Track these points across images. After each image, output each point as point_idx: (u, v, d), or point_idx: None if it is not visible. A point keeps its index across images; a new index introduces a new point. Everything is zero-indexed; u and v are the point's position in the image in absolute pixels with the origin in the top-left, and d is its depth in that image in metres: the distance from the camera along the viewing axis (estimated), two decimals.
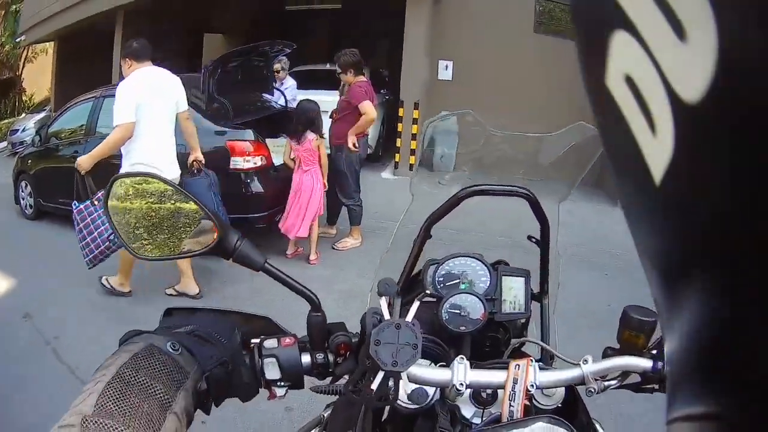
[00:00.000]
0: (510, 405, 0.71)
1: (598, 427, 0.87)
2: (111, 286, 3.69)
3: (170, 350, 0.58)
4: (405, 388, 0.76)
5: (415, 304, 0.70)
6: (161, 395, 0.51)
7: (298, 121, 4.20)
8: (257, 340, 0.70)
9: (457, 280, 0.95)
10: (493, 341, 0.95)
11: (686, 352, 0.19)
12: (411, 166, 7.22)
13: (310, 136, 4.15)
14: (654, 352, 0.77)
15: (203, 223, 0.68)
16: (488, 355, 0.91)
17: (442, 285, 0.96)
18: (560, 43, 7.30)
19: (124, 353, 0.55)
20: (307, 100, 4.37)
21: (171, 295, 3.66)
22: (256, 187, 4.23)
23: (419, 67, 7.32)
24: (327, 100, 5.86)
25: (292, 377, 0.70)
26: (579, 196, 6.78)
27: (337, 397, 1.00)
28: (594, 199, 6.08)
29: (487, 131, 1.09)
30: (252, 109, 5.04)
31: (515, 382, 0.71)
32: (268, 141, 4.41)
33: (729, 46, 0.14)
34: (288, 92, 5.91)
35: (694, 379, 0.19)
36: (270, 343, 0.70)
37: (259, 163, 4.19)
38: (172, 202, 0.66)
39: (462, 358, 0.74)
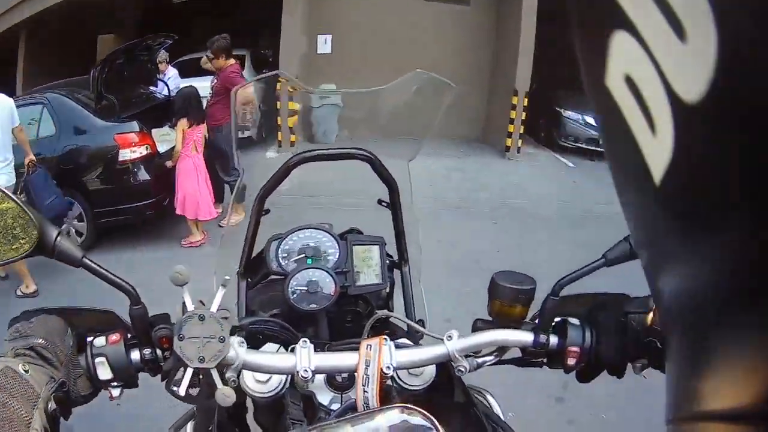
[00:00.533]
0: (364, 390, 0.64)
1: (489, 397, 0.83)
2: None
3: (22, 372, 0.58)
4: (253, 375, 0.71)
5: (220, 292, 0.65)
6: (22, 414, 0.54)
7: (177, 107, 4.41)
8: (91, 338, 0.67)
9: (303, 255, 0.88)
10: (355, 316, 0.89)
11: (689, 351, 0.19)
12: (292, 144, 7.12)
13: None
14: (536, 322, 0.71)
15: (21, 225, 0.63)
16: (351, 331, 0.85)
17: (286, 261, 0.88)
18: (442, 8, 7.52)
19: None
20: (187, 86, 4.64)
21: (21, 297, 3.66)
22: (143, 175, 4.46)
23: (298, 43, 7.20)
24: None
25: (124, 376, 0.66)
26: (468, 151, 7.20)
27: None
28: (480, 153, 6.45)
29: (305, 90, 0.99)
30: (138, 101, 5.27)
31: (367, 364, 0.65)
32: (154, 131, 4.62)
33: (729, 46, 0.14)
34: (171, 82, 6.18)
35: (697, 378, 0.19)
36: (99, 341, 0.67)
37: (144, 153, 4.42)
38: None
39: (305, 341, 0.67)
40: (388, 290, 0.95)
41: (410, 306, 0.94)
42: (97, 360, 0.66)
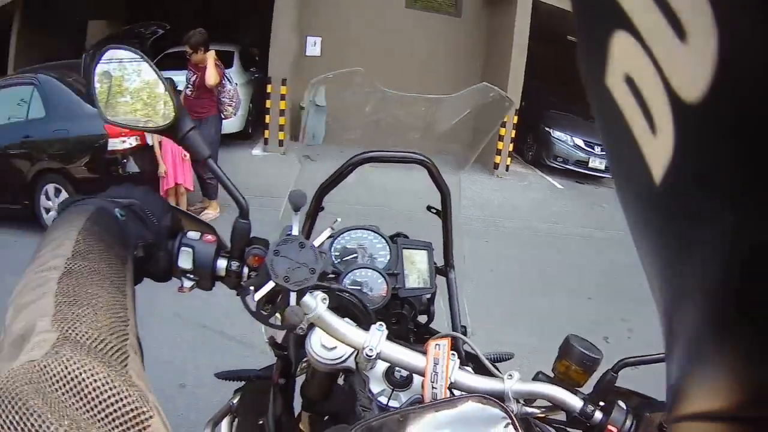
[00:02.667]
0: (432, 387, 0.66)
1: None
2: None
3: (118, 216, 0.60)
4: (321, 340, 0.72)
5: (326, 232, 0.68)
6: (120, 252, 0.55)
7: None
8: (187, 231, 0.71)
9: (355, 254, 0.90)
10: (399, 318, 0.90)
11: (689, 350, 0.20)
12: (281, 142, 7.32)
13: None
14: (589, 394, 0.72)
15: (165, 104, 0.70)
16: (395, 333, 0.87)
17: (339, 260, 0.90)
18: (433, 18, 7.60)
19: (80, 211, 0.57)
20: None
21: None
22: (132, 167, 4.43)
23: (287, 44, 7.28)
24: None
25: (202, 273, 0.70)
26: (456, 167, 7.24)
27: (244, 383, 0.98)
28: (470, 169, 6.50)
29: (379, 91, 1.02)
30: None
31: (436, 362, 0.67)
32: None
33: (729, 46, 0.15)
34: None
35: (698, 377, 0.19)
36: (192, 234, 0.71)
37: (134, 144, 4.41)
38: (146, 78, 0.70)
39: (382, 325, 0.69)
40: (429, 296, 0.97)
41: (455, 313, 0.96)
42: (183, 248, 0.69)
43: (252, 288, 0.66)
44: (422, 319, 0.97)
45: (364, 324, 0.71)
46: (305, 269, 0.63)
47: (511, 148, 7.47)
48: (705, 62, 0.15)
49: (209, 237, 0.71)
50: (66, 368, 0.34)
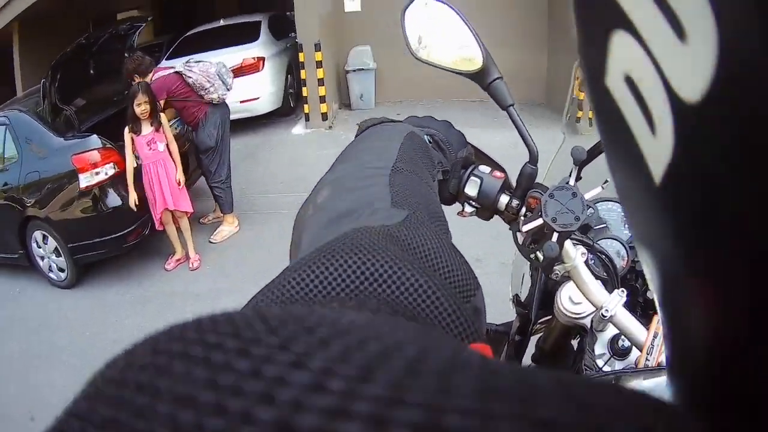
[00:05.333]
0: (647, 358, 0.71)
1: None
2: None
3: (427, 141, 0.67)
4: (570, 293, 0.80)
5: (597, 189, 0.76)
6: (429, 169, 0.61)
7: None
8: (478, 165, 0.80)
9: (604, 224, 0.97)
10: (632, 290, 0.94)
11: (688, 351, 0.20)
12: (324, 116, 6.80)
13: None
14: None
15: (473, 50, 0.77)
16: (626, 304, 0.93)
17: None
18: None
19: (396, 130, 0.64)
20: (137, 83, 3.95)
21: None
22: (114, 200, 3.90)
23: (317, 1, 6.74)
24: (229, 57, 5.78)
25: (484, 203, 0.80)
26: (531, 120, 6.70)
27: None
28: (546, 122, 6.07)
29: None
30: (107, 105, 4.62)
31: (656, 336, 0.71)
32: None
33: (729, 46, 0.15)
34: None
35: (696, 379, 0.20)
36: (483, 168, 0.80)
37: (110, 172, 3.83)
38: (454, 24, 0.78)
39: (624, 291, 0.75)
40: None
41: None
42: (472, 178, 0.79)
43: (524, 223, 0.74)
44: (650, 295, 1.02)
45: (609, 287, 0.79)
46: (571, 216, 0.70)
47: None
48: (705, 62, 0.15)
49: (498, 174, 0.80)
50: (420, 235, 0.39)
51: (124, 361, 0.17)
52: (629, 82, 0.19)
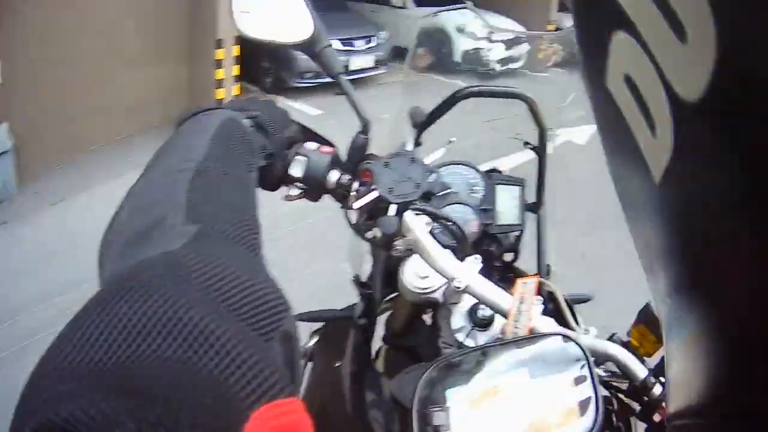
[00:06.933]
0: (515, 325, 0.67)
1: None
2: None
3: (246, 126, 0.63)
4: (415, 268, 0.75)
5: (440, 150, 0.70)
6: (248, 160, 0.58)
7: None
8: (305, 143, 0.74)
9: (449, 190, 0.92)
10: (487, 255, 0.91)
11: (688, 349, 0.20)
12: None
13: None
14: (656, 365, 0.70)
15: (302, 18, 0.73)
16: (482, 270, 0.86)
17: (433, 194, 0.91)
18: None
19: (210, 120, 0.60)
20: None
21: None
22: None
23: None
24: None
25: (311, 183, 0.72)
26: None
27: (322, 324, 1.01)
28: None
29: (488, 26, 0.98)
30: None
31: (521, 301, 0.67)
32: None
33: (729, 46, 0.15)
34: None
35: (694, 377, 0.20)
36: (310, 146, 0.73)
37: None
38: None
39: (478, 257, 0.70)
40: (518, 233, 1.01)
41: (543, 252, 1.00)
42: (297, 158, 0.71)
43: (356, 197, 0.67)
44: (508, 257, 1.00)
45: (460, 255, 0.72)
46: (410, 184, 0.65)
47: (236, 72, 5.58)
48: (705, 62, 0.16)
49: (326, 149, 0.73)
50: (208, 258, 0.34)
51: None
52: (629, 82, 0.19)
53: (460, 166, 0.98)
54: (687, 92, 0.17)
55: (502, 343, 0.61)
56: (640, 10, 0.18)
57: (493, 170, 1.03)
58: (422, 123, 0.94)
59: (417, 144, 0.95)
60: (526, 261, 0.99)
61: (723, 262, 0.17)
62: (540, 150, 1.02)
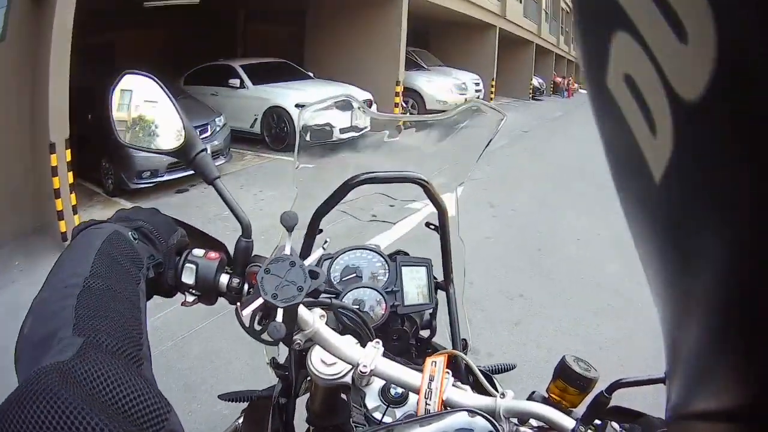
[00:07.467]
0: (426, 403, 0.69)
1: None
2: None
3: (131, 238, 0.66)
4: (321, 356, 0.77)
5: (318, 251, 0.74)
6: (132, 273, 0.61)
7: None
8: (193, 249, 0.77)
9: (354, 274, 0.96)
10: (400, 334, 0.96)
11: (689, 348, 0.20)
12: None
13: None
14: (582, 415, 0.72)
15: (175, 124, 0.75)
16: (397, 349, 0.93)
17: (338, 280, 0.96)
18: None
19: (97, 234, 0.64)
20: None
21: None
22: None
23: None
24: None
25: (204, 289, 0.75)
26: None
27: (248, 404, 1.03)
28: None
29: (369, 114, 1.08)
30: None
31: (431, 379, 0.70)
32: None
33: (729, 46, 0.15)
34: None
35: (695, 378, 0.20)
36: (197, 252, 0.76)
37: None
38: (158, 102, 0.76)
39: (379, 342, 0.73)
40: (431, 311, 1.04)
41: (455, 327, 1.03)
42: (187, 265, 0.75)
43: (245, 304, 0.69)
44: (425, 333, 1.03)
45: (365, 341, 0.75)
46: (293, 287, 0.67)
47: (73, 201, 4.74)
48: (705, 62, 0.16)
49: (212, 254, 0.76)
50: (93, 368, 0.40)
51: None
52: (629, 82, 0.19)
53: (363, 250, 1.01)
54: (687, 92, 0.17)
55: (411, 420, 0.65)
56: (640, 10, 0.18)
57: (398, 252, 1.08)
58: (317, 212, 0.98)
59: (312, 236, 0.99)
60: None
61: (723, 262, 0.17)
62: (441, 230, 1.05)
